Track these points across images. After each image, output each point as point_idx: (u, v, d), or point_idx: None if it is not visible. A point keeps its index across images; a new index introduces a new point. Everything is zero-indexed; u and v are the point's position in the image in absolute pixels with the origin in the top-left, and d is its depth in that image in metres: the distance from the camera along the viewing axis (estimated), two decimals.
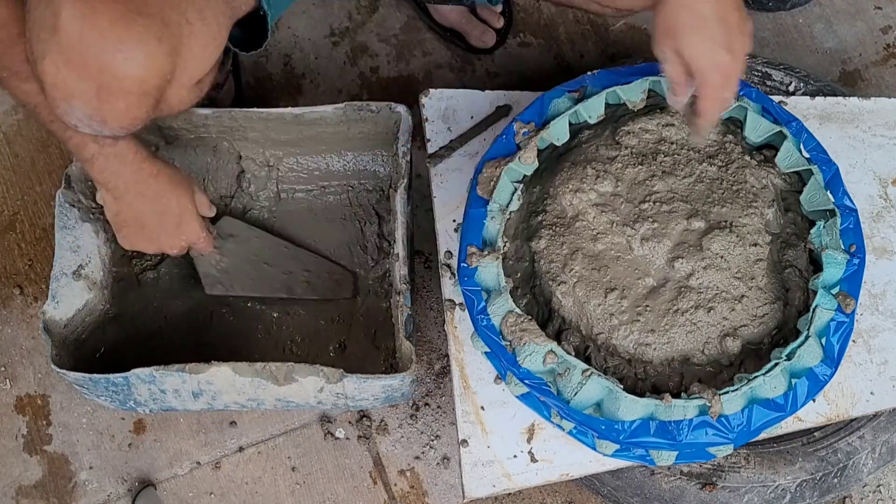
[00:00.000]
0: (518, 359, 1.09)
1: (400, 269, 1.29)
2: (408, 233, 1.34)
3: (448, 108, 1.38)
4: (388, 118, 1.38)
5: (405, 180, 1.33)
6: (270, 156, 1.45)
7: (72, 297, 1.26)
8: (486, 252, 1.14)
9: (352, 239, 1.47)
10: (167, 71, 0.91)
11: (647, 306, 1.15)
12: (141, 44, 0.87)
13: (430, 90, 1.38)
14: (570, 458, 1.21)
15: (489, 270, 1.13)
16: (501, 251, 1.15)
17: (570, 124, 1.20)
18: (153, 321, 1.41)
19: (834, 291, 1.12)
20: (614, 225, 1.18)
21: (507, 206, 1.17)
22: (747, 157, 1.22)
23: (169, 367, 1.19)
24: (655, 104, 1.24)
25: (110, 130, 0.96)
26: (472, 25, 1.66)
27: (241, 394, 1.23)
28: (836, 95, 1.42)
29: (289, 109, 1.35)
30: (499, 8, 1.67)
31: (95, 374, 1.20)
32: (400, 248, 1.30)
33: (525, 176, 1.20)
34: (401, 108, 1.36)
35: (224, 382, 1.20)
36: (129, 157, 1.12)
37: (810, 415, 1.23)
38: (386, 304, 1.43)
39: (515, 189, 1.18)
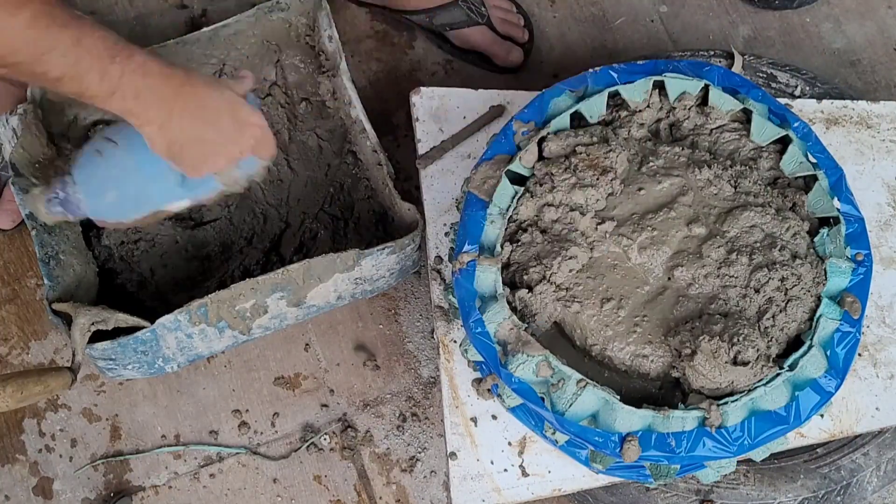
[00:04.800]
0: (509, 367, 1.08)
1: (369, 140, 1.34)
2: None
3: (440, 107, 1.36)
4: (301, 7, 1.40)
5: (342, 59, 1.37)
6: None
7: (64, 277, 1.25)
8: (485, 257, 1.12)
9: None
10: None
11: (645, 316, 1.14)
12: None
13: (421, 88, 1.37)
14: (563, 472, 1.19)
15: (487, 277, 1.12)
16: (501, 257, 1.14)
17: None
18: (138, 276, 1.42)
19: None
20: (608, 234, 1.15)
21: (508, 210, 1.16)
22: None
23: (189, 305, 1.19)
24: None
25: None
26: (498, 45, 1.59)
27: (264, 313, 1.26)
28: (843, 98, 1.42)
29: (203, 30, 1.37)
30: (521, 21, 1.62)
31: (123, 338, 1.19)
32: (365, 122, 1.35)
33: (524, 177, 1.19)
34: None
35: (246, 304, 1.23)
36: (153, 69, 1.00)
37: (813, 430, 1.22)
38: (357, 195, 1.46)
39: (516, 192, 1.17)
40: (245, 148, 1.09)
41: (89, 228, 1.38)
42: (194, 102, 1.03)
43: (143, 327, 1.19)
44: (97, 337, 1.19)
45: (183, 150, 1.05)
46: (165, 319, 1.19)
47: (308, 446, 1.42)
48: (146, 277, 1.40)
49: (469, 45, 1.60)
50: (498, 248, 1.14)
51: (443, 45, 1.63)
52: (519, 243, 1.16)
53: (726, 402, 1.05)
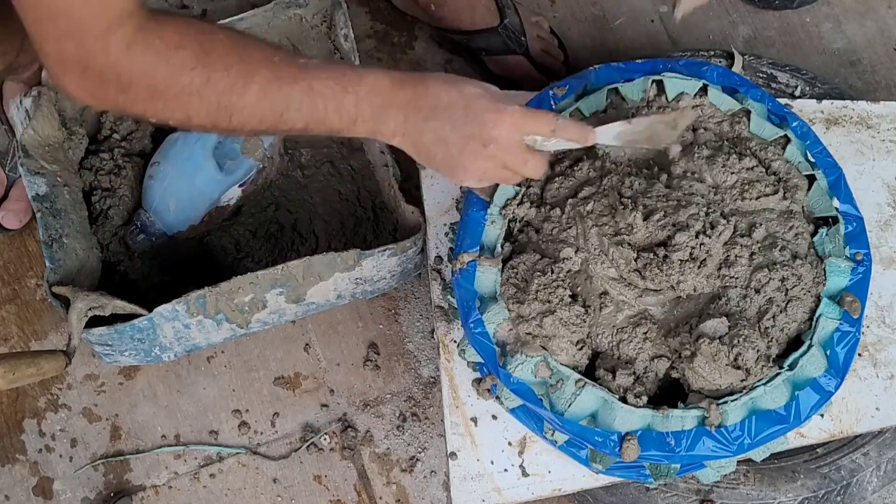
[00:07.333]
0: (508, 368, 1.07)
1: (378, 141, 1.32)
2: None
3: None
4: (319, 5, 1.40)
5: (356, 59, 1.37)
6: None
7: (66, 260, 1.25)
8: (485, 257, 1.12)
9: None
10: None
11: (645, 317, 1.13)
12: None
13: None
14: (563, 472, 1.19)
15: (487, 277, 1.12)
16: (502, 257, 1.13)
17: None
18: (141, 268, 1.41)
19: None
20: (608, 237, 1.15)
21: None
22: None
23: (188, 295, 1.19)
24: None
25: None
26: (532, 80, 1.55)
27: (263, 308, 1.26)
28: (843, 98, 1.41)
29: (219, 23, 1.35)
30: (561, 56, 1.60)
31: (120, 324, 1.19)
32: None
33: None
34: None
35: (245, 298, 1.23)
36: (384, 85, 0.99)
37: (813, 430, 1.22)
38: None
39: (516, 192, 1.16)
40: (487, 140, 1.00)
41: (94, 217, 1.38)
42: (427, 103, 1.00)
43: (141, 315, 1.19)
44: (97, 322, 1.19)
45: (430, 154, 1.02)
46: (163, 308, 1.19)
47: (308, 446, 1.41)
48: (148, 266, 1.40)
49: (503, 73, 1.58)
50: (498, 248, 1.13)
51: (477, 69, 1.61)
52: (517, 243, 1.16)
53: (726, 402, 1.05)
